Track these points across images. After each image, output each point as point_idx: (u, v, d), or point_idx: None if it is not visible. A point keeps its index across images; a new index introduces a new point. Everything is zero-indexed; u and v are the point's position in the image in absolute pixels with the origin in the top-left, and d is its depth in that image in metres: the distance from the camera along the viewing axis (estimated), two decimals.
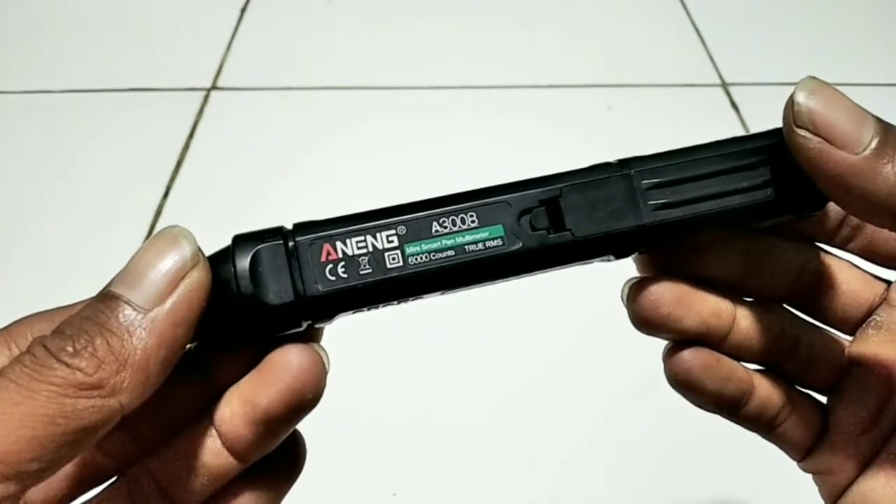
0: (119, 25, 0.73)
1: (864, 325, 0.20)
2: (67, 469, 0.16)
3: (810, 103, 0.16)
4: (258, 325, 0.16)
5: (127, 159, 0.59)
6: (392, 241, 0.17)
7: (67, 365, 0.13)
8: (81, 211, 0.55)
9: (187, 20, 0.74)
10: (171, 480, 0.17)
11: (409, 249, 0.17)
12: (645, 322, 0.19)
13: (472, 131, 0.61)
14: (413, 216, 0.17)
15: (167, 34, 0.72)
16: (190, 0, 0.76)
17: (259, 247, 0.16)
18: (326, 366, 0.17)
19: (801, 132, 0.16)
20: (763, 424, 0.20)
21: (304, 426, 0.18)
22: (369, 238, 0.16)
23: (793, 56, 0.70)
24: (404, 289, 0.17)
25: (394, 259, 0.16)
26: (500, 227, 0.17)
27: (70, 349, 0.14)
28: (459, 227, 0.17)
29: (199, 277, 0.15)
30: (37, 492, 0.16)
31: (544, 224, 0.17)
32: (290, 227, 0.17)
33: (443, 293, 0.17)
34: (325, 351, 0.17)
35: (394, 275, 0.16)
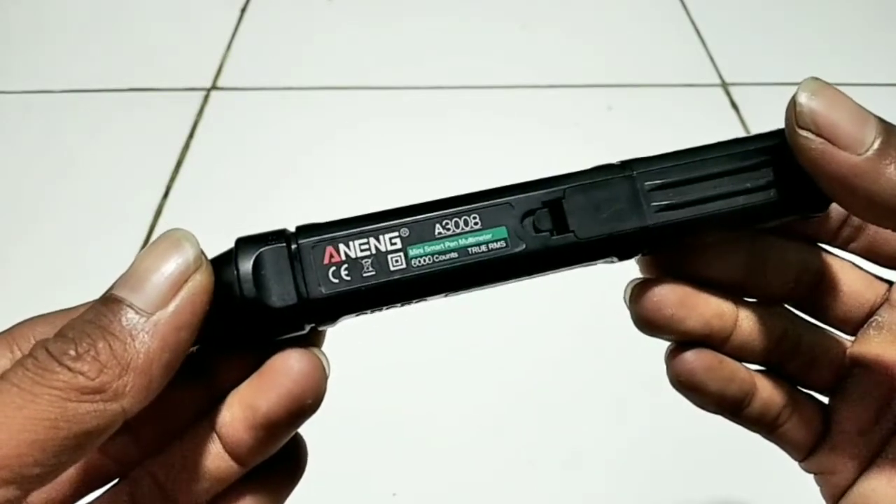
0: (119, 25, 0.73)
1: (865, 326, 0.20)
2: (69, 471, 0.16)
3: (812, 104, 0.16)
4: (261, 329, 0.16)
5: (127, 159, 0.59)
6: (395, 244, 0.16)
7: (69, 369, 0.13)
8: (81, 211, 0.55)
9: (187, 20, 0.74)
10: (172, 483, 0.17)
11: (413, 252, 0.16)
12: (648, 323, 0.19)
13: (472, 131, 0.61)
14: (416, 218, 0.17)
15: (167, 34, 0.72)
16: (190, 0, 0.76)
17: (262, 249, 0.16)
18: (327, 371, 0.17)
19: (804, 133, 0.16)
20: (765, 425, 0.20)
21: (305, 426, 0.18)
22: (372, 240, 0.16)
23: (793, 56, 0.70)
24: (408, 291, 0.17)
25: (397, 261, 0.16)
26: (503, 228, 0.17)
27: (72, 353, 0.14)
28: (462, 229, 0.17)
29: (202, 281, 0.15)
30: (38, 494, 0.16)
31: (547, 226, 0.17)
32: (292, 229, 0.17)
33: (446, 295, 0.17)
34: (325, 356, 0.17)
35: (397, 277, 0.16)
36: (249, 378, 0.17)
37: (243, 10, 0.75)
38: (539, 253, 0.17)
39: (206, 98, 0.64)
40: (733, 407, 0.20)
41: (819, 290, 0.20)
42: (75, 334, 0.14)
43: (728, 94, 0.66)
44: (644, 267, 0.20)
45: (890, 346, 0.20)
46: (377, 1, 0.76)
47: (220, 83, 0.66)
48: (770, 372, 0.20)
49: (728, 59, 0.70)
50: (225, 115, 0.63)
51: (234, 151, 0.60)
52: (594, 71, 0.68)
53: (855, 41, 0.73)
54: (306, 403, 0.16)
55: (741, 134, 0.61)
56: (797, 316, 0.20)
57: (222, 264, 0.16)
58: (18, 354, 0.16)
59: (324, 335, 0.18)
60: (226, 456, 0.17)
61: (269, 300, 0.16)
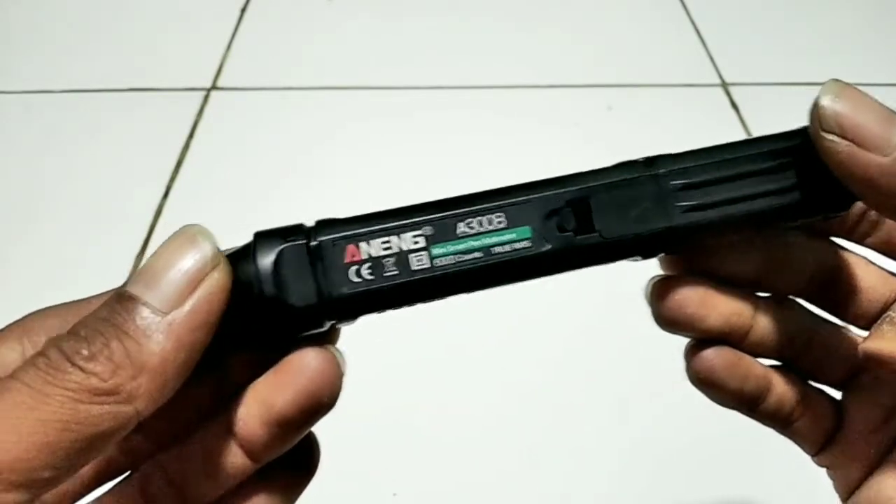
0: (119, 25, 0.73)
1: (879, 321, 0.20)
2: None
3: (836, 106, 0.16)
4: (280, 327, 0.16)
5: (127, 159, 0.59)
6: (418, 242, 0.16)
7: (82, 369, 0.13)
8: (81, 211, 0.55)
9: (187, 20, 0.74)
10: (184, 477, 0.16)
11: (436, 251, 0.16)
12: (669, 321, 0.19)
13: (472, 131, 0.61)
14: (439, 216, 0.16)
15: (167, 34, 0.72)
16: (190, 0, 0.76)
17: (282, 247, 0.16)
18: (343, 368, 0.17)
19: (829, 136, 0.16)
20: (779, 420, 0.20)
21: None
22: (394, 239, 0.16)
23: (793, 56, 0.70)
24: (430, 291, 0.16)
25: (420, 260, 0.16)
26: (527, 228, 0.17)
27: (85, 352, 0.13)
28: (486, 227, 0.17)
29: (219, 279, 0.15)
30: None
31: (572, 225, 0.17)
32: (311, 223, 0.16)
33: (467, 293, 0.17)
34: (341, 353, 0.17)
35: (419, 277, 0.16)
36: (265, 374, 0.16)
37: (243, 10, 0.75)
38: (563, 253, 0.17)
39: (206, 98, 0.64)
40: (750, 403, 0.20)
41: (833, 286, 0.20)
42: (88, 333, 0.14)
43: (728, 94, 0.66)
44: (665, 264, 0.20)
45: None
46: (377, 1, 0.76)
47: (220, 83, 0.66)
48: (784, 367, 0.20)
49: (728, 59, 0.70)
50: (225, 115, 0.63)
51: (234, 151, 0.59)
52: (594, 71, 0.68)
53: (855, 41, 0.73)
54: (322, 401, 0.16)
55: (741, 134, 0.61)
56: (811, 311, 0.20)
57: (239, 260, 0.16)
58: (28, 347, 0.16)
59: (339, 332, 0.18)
60: (239, 451, 0.16)
61: (290, 299, 0.16)
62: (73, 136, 0.61)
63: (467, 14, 0.75)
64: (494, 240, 0.16)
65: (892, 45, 0.72)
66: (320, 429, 0.17)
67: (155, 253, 0.15)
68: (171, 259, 0.14)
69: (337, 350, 0.17)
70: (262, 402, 0.16)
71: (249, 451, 0.16)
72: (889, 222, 0.19)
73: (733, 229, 0.18)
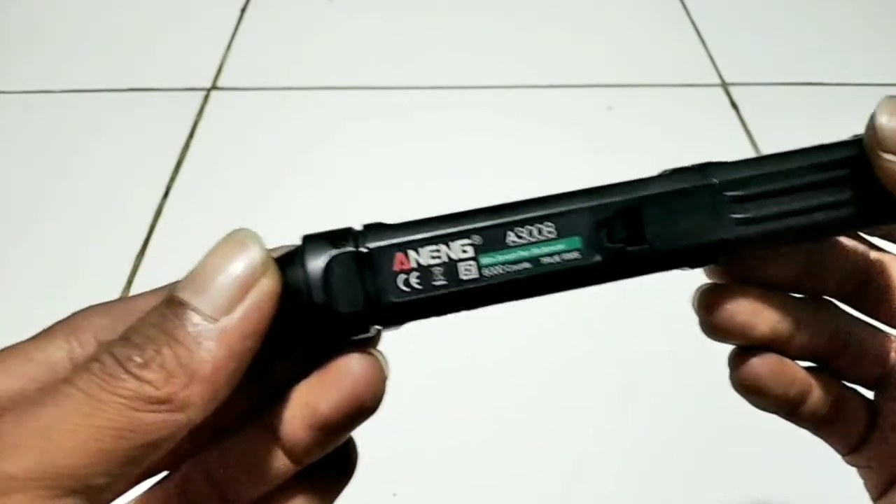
0: (119, 25, 0.73)
1: None
2: None
3: (893, 125, 0.16)
4: (327, 333, 0.16)
5: (127, 159, 0.59)
6: (467, 252, 0.16)
7: (136, 377, 0.13)
8: (81, 211, 0.55)
9: (187, 20, 0.74)
10: (225, 478, 0.17)
11: (484, 260, 0.16)
12: (719, 330, 0.19)
13: (473, 131, 0.61)
14: (489, 224, 0.16)
15: (167, 34, 0.72)
16: (190, 0, 0.76)
17: (332, 254, 0.16)
18: (386, 372, 0.17)
19: (888, 157, 0.16)
20: (817, 422, 0.20)
21: None
22: (443, 248, 0.16)
23: (793, 56, 0.70)
24: (477, 299, 0.16)
25: (468, 270, 0.16)
26: (577, 238, 0.16)
27: (138, 359, 0.13)
28: (536, 237, 0.16)
29: (269, 286, 0.15)
30: None
31: (623, 235, 0.17)
32: (358, 227, 0.16)
33: (513, 301, 0.17)
34: (384, 357, 0.17)
35: (468, 287, 0.16)
36: (309, 378, 0.16)
37: (243, 10, 0.75)
38: (613, 264, 0.17)
39: (206, 98, 0.64)
40: (792, 407, 0.20)
41: (868, 286, 0.20)
42: (140, 339, 0.14)
43: (728, 94, 0.66)
44: (712, 273, 0.20)
45: None
46: (377, 1, 0.76)
47: (220, 83, 0.66)
48: (819, 369, 0.20)
49: (728, 59, 0.70)
50: (225, 115, 0.63)
51: (234, 151, 0.59)
52: (594, 71, 0.68)
53: (855, 41, 0.73)
54: (366, 405, 0.16)
55: (741, 134, 0.61)
56: (845, 312, 0.20)
57: (288, 265, 0.16)
58: (76, 346, 0.16)
59: (380, 335, 0.18)
60: (280, 453, 0.16)
61: (338, 306, 0.16)
62: (73, 136, 0.61)
63: (467, 14, 0.75)
64: (544, 250, 0.16)
65: (893, 45, 0.72)
66: None
67: (204, 257, 0.15)
68: (221, 264, 0.14)
69: (380, 354, 0.17)
70: (305, 405, 0.16)
71: (291, 454, 0.16)
72: None
73: (787, 242, 0.18)
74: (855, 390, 0.21)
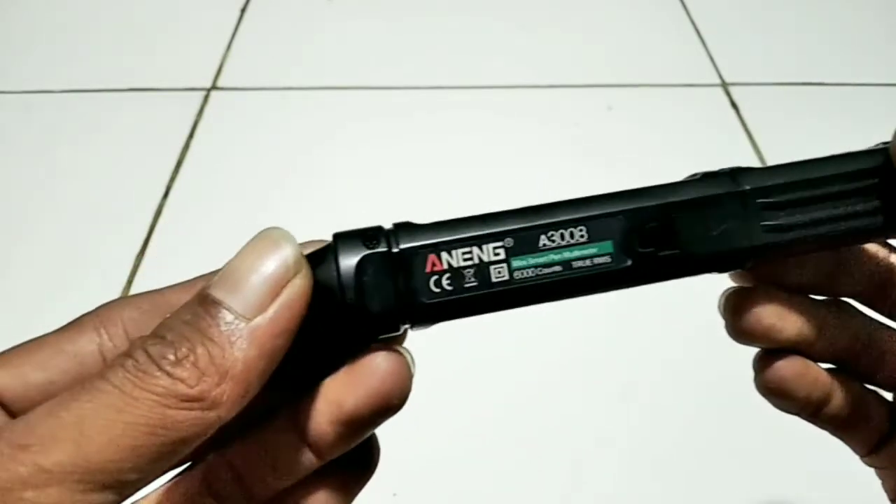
0: (119, 25, 0.73)
1: None
2: None
3: None
4: (357, 333, 0.16)
5: (127, 159, 0.59)
6: (499, 254, 0.16)
7: (169, 374, 0.13)
8: (81, 211, 0.55)
9: (187, 20, 0.74)
10: (248, 471, 0.17)
11: (516, 263, 0.16)
12: (747, 334, 0.19)
13: (473, 131, 0.61)
14: (521, 227, 0.16)
15: (167, 34, 0.72)
16: (190, 0, 0.76)
17: (364, 254, 0.16)
18: (413, 370, 0.17)
19: None
20: (838, 424, 0.20)
21: None
22: (475, 250, 0.16)
23: (793, 56, 0.70)
24: (507, 302, 0.16)
25: (499, 273, 0.16)
26: (609, 243, 0.16)
27: (171, 357, 0.13)
28: (568, 241, 0.16)
29: (301, 285, 0.15)
30: None
31: (655, 241, 0.17)
32: (389, 226, 0.16)
33: (543, 304, 0.17)
34: (411, 355, 0.17)
35: (498, 289, 0.16)
36: (336, 374, 0.16)
37: (243, 10, 0.75)
38: (644, 269, 0.17)
39: (206, 98, 0.64)
40: (814, 409, 0.20)
41: (888, 288, 0.20)
42: (174, 337, 0.14)
43: (728, 94, 0.66)
44: (737, 276, 0.20)
45: None
46: (377, 1, 0.76)
47: (220, 83, 0.66)
48: (840, 370, 0.20)
49: (728, 59, 0.70)
50: (225, 115, 0.63)
51: (234, 151, 0.60)
52: (594, 71, 0.68)
53: (855, 41, 0.73)
54: (392, 402, 0.16)
55: (741, 133, 0.61)
56: (865, 314, 0.21)
57: (320, 264, 0.16)
58: (106, 339, 0.16)
59: (406, 332, 0.18)
60: (304, 448, 0.16)
61: (370, 306, 0.16)
62: (72, 136, 0.61)
63: (467, 14, 0.75)
64: (576, 254, 0.16)
65: (893, 45, 0.72)
66: None
67: (237, 256, 0.15)
68: (254, 263, 0.14)
69: (407, 351, 0.17)
70: (331, 401, 0.16)
71: (315, 449, 0.17)
72: None
73: (814, 249, 0.18)
74: (875, 392, 0.21)
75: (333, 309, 0.16)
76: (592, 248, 0.16)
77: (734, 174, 0.17)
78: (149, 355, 0.13)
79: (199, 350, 0.14)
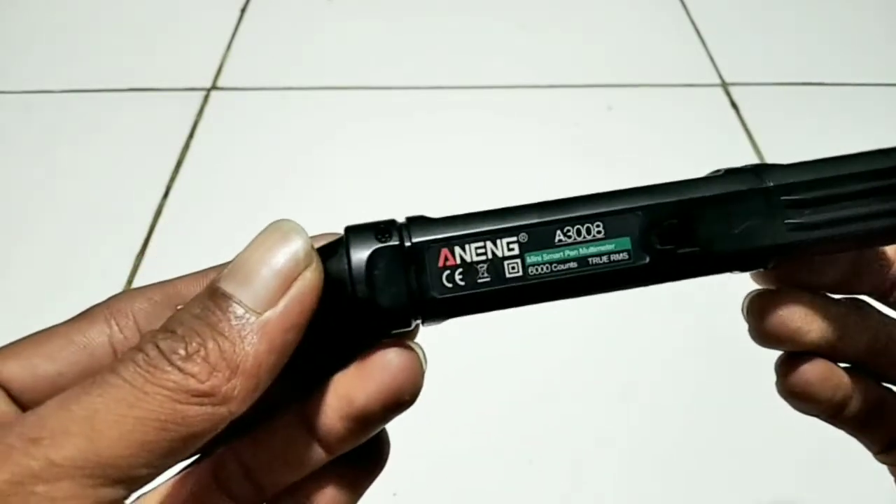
0: (119, 25, 0.73)
1: None
2: None
3: None
4: (368, 327, 0.16)
5: (127, 159, 0.59)
6: (513, 249, 0.16)
7: (180, 369, 0.13)
8: (81, 211, 0.55)
9: (187, 20, 0.74)
10: (258, 465, 0.17)
11: (530, 259, 0.16)
12: (771, 337, 0.19)
13: (473, 131, 0.61)
14: (536, 222, 0.16)
15: (167, 34, 0.72)
16: (190, 0, 0.76)
17: (376, 248, 0.15)
18: (424, 366, 0.16)
19: None
20: (856, 424, 0.20)
21: None
22: (489, 245, 0.16)
23: (793, 56, 0.70)
24: (521, 298, 0.16)
25: (513, 268, 0.16)
26: (627, 239, 0.16)
27: (182, 352, 0.13)
28: (584, 237, 0.16)
29: (312, 279, 0.14)
30: None
31: (674, 238, 0.16)
32: (401, 220, 0.16)
33: (557, 301, 0.17)
34: (422, 350, 0.17)
35: (512, 285, 0.16)
36: (346, 369, 0.16)
37: (243, 10, 0.75)
38: (662, 267, 0.16)
39: (206, 98, 0.64)
40: (835, 411, 0.20)
41: None
42: (184, 331, 0.14)
43: (728, 94, 0.66)
44: (761, 278, 0.20)
45: None
46: (377, 1, 0.76)
47: (220, 83, 0.66)
48: (858, 370, 0.20)
49: (728, 59, 0.70)
50: (225, 115, 0.63)
51: (234, 151, 0.60)
52: (594, 71, 0.68)
53: (855, 41, 0.73)
54: (403, 398, 0.16)
55: (741, 133, 0.61)
56: (882, 312, 0.20)
57: (330, 257, 0.15)
58: (116, 331, 0.16)
59: (418, 328, 0.17)
60: (314, 443, 0.16)
61: (381, 301, 0.15)
62: (72, 136, 0.61)
63: (467, 14, 0.75)
64: (592, 250, 0.16)
65: (893, 45, 0.72)
66: None
67: (247, 248, 0.15)
68: (265, 256, 0.14)
69: (419, 347, 0.17)
70: (342, 397, 0.16)
71: (325, 443, 0.16)
72: None
73: (838, 249, 0.17)
74: (891, 389, 0.21)
75: (344, 303, 0.15)
76: (609, 244, 0.16)
77: (758, 171, 0.17)
78: (160, 350, 0.13)
79: (210, 345, 0.13)
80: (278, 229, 0.15)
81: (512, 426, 0.43)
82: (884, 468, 0.21)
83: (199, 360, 0.13)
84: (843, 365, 0.20)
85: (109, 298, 0.17)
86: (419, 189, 0.55)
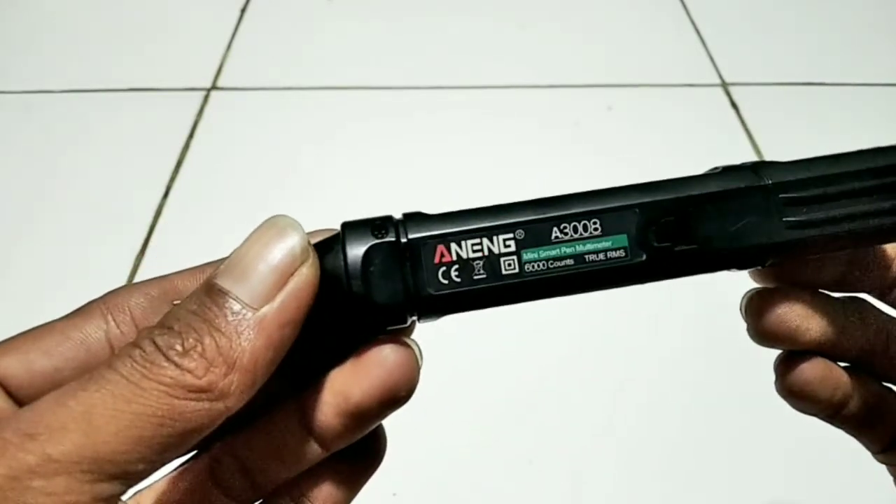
0: (119, 25, 0.73)
1: None
2: None
3: None
4: (364, 324, 0.16)
5: (127, 159, 0.59)
6: (509, 246, 0.16)
7: (177, 365, 0.13)
8: (81, 211, 0.55)
9: (187, 20, 0.74)
10: (254, 461, 0.17)
11: (527, 256, 0.16)
12: (769, 336, 0.19)
13: (473, 131, 0.61)
14: (532, 218, 0.16)
15: (167, 34, 0.72)
16: (190, 0, 0.76)
17: (372, 243, 0.15)
18: (420, 362, 0.16)
19: None
20: (855, 423, 0.20)
21: None
22: (485, 241, 0.16)
23: (793, 56, 0.70)
24: (517, 295, 0.16)
25: (510, 265, 0.16)
26: (624, 237, 0.16)
27: (179, 348, 0.13)
28: (581, 234, 0.16)
29: (308, 275, 0.14)
30: None
31: (671, 235, 0.16)
32: (398, 216, 0.16)
33: (554, 298, 0.17)
34: (418, 346, 0.17)
35: (508, 282, 0.16)
36: (342, 365, 0.16)
37: (243, 10, 0.75)
38: (658, 264, 0.16)
39: (206, 98, 0.64)
40: (835, 410, 0.20)
41: None
42: (181, 327, 0.14)
43: (728, 94, 0.66)
44: (759, 276, 0.20)
45: None
46: (377, 1, 0.76)
47: (220, 83, 0.66)
48: (857, 369, 0.20)
49: (728, 59, 0.70)
50: (225, 115, 0.63)
51: (234, 151, 0.60)
52: (594, 71, 0.68)
53: (855, 41, 0.73)
54: (399, 395, 0.16)
55: (741, 134, 0.61)
56: (882, 310, 0.20)
57: (327, 253, 0.15)
58: (113, 326, 0.16)
59: (414, 324, 0.17)
60: (310, 439, 0.16)
61: (377, 297, 0.15)
62: (72, 136, 0.61)
63: (467, 14, 0.75)
64: (589, 247, 0.16)
65: (893, 45, 0.72)
66: None
67: (243, 244, 0.15)
68: (261, 252, 0.14)
69: (415, 343, 0.17)
70: (338, 393, 0.16)
71: (321, 440, 0.16)
72: None
73: (839, 247, 0.17)
74: (890, 389, 0.21)
75: (340, 299, 0.15)
76: (606, 241, 0.16)
77: (756, 168, 0.17)
78: (156, 346, 0.13)
79: (207, 340, 0.13)
80: (274, 225, 0.15)
81: (512, 426, 0.43)
82: (883, 468, 0.21)
83: (195, 356, 0.13)
84: (842, 364, 0.20)
85: (106, 294, 0.17)
86: (419, 189, 0.55)
